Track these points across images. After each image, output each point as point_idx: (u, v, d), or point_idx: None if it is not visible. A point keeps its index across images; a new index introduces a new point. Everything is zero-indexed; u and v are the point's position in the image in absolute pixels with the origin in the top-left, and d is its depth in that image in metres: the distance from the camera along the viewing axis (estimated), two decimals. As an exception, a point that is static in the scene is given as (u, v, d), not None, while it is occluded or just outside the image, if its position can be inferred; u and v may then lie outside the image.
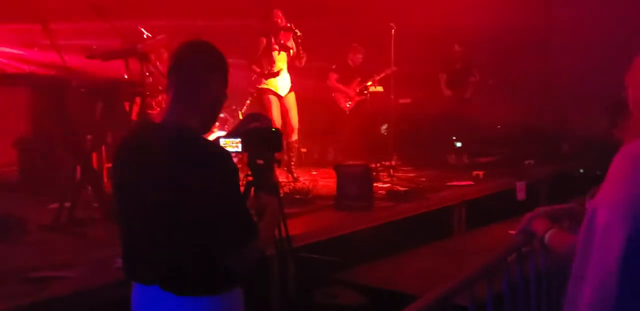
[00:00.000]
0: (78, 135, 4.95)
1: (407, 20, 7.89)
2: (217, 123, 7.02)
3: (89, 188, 5.08)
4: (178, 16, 7.85)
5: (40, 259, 3.62)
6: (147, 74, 5.12)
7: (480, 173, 7.12)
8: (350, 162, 5.85)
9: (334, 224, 4.85)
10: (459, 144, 8.75)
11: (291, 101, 7.00)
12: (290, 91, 6.99)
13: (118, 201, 2.04)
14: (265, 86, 6.87)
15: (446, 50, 9.02)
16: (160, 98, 6.45)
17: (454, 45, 8.95)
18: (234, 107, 8.15)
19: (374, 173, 6.34)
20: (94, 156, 5.50)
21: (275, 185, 2.45)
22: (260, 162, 2.40)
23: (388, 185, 6.46)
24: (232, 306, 1.98)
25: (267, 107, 6.86)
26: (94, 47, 5.62)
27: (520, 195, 6.55)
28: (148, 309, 1.94)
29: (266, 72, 6.82)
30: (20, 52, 6.90)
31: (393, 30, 7.25)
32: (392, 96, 7.74)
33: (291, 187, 5.67)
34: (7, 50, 7.04)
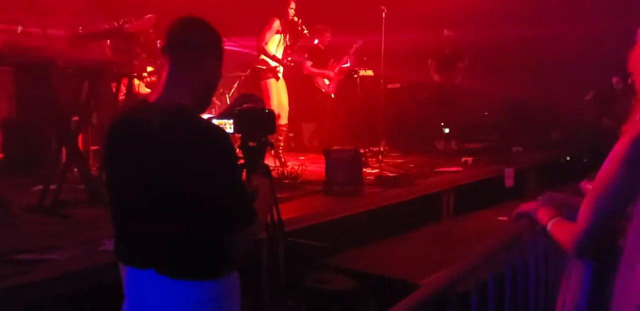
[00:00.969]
0: (64, 116, 4.85)
1: (398, 3, 7.83)
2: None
3: (75, 170, 5.01)
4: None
5: (25, 241, 3.56)
6: (134, 54, 5.03)
7: (469, 159, 7.13)
8: (340, 147, 5.81)
9: (322, 209, 4.82)
10: (447, 130, 8.74)
11: (283, 84, 7.03)
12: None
13: (111, 183, 1.98)
14: (274, 66, 6.87)
15: (435, 35, 8.98)
16: (149, 79, 6.36)
17: (443, 30, 8.91)
18: (221, 90, 8.08)
19: (363, 159, 6.31)
20: (80, 137, 5.42)
21: (267, 168, 2.40)
22: (253, 144, 2.35)
23: (377, 170, 6.44)
24: (229, 291, 1.93)
25: (265, 89, 6.84)
26: (80, 27, 5.51)
27: (508, 182, 6.57)
28: (142, 294, 1.89)
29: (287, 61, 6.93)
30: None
31: (384, 13, 7.18)
32: (382, 81, 7.70)
33: (280, 172, 5.63)
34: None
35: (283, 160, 6.85)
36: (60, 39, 5.65)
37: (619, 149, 1.71)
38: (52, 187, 4.53)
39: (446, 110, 8.85)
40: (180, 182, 1.79)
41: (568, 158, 8.09)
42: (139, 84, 6.39)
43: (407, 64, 8.94)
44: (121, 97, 5.37)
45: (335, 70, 8.34)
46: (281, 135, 7.07)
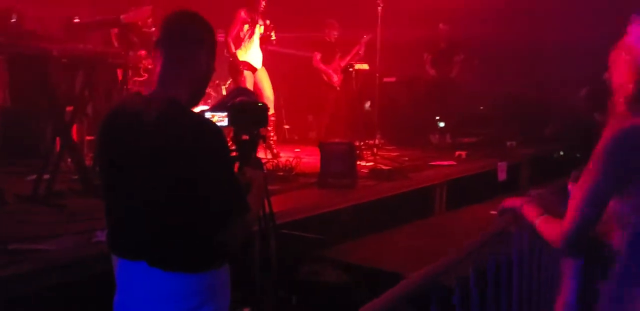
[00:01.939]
0: (58, 107, 4.85)
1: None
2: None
3: (69, 160, 5.01)
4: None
5: (18, 231, 3.56)
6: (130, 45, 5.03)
7: (463, 153, 7.15)
8: (335, 140, 5.82)
9: (316, 202, 4.84)
10: (442, 124, 8.76)
11: (264, 74, 6.97)
12: (261, 65, 6.97)
13: (106, 175, 2.00)
14: (242, 59, 6.79)
15: (431, 29, 8.98)
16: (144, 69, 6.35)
17: (439, 24, 8.92)
18: (217, 81, 8.07)
19: (358, 152, 6.33)
20: (75, 128, 5.42)
21: (259, 161, 2.41)
22: (246, 137, 2.36)
23: (371, 163, 6.45)
24: (220, 283, 1.95)
25: (240, 81, 6.80)
26: (76, 16, 5.49)
27: (501, 176, 6.59)
28: (134, 286, 1.90)
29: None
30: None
31: (379, 8, 7.17)
32: (377, 74, 7.71)
33: (274, 164, 5.64)
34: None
35: (275, 151, 6.84)
36: (56, 28, 5.63)
37: (599, 147, 1.75)
38: (46, 176, 4.53)
39: (441, 104, 8.87)
40: (173, 174, 1.81)
41: (561, 152, 8.12)
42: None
43: (403, 58, 8.95)
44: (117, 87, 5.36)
45: (342, 65, 8.37)
46: (270, 126, 7.06)
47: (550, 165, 7.68)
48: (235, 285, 2.06)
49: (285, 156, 6.65)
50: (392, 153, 7.39)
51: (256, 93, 6.80)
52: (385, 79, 8.72)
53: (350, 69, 8.24)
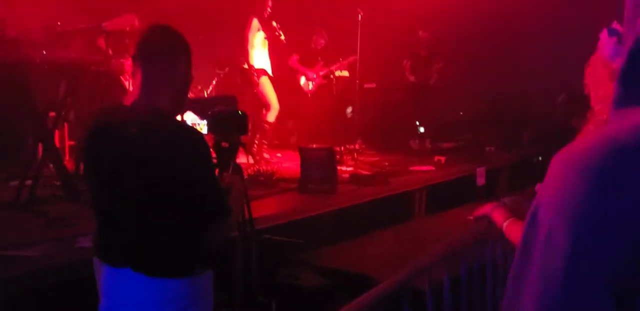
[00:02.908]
0: (41, 113, 4.87)
1: (374, 5, 7.92)
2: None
3: (51, 166, 5.03)
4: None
5: (1, 238, 3.58)
6: (112, 52, 5.06)
7: (442, 158, 7.23)
8: (315, 145, 5.88)
9: (297, 207, 4.89)
10: (422, 129, 8.85)
11: (270, 82, 7.06)
12: None
13: (91, 183, 2.06)
14: (260, 67, 6.87)
15: (411, 36, 9.08)
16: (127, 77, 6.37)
17: (418, 31, 9.02)
18: (199, 87, 8.10)
19: (338, 157, 6.39)
20: (56, 133, 5.43)
21: (239, 167, 2.48)
22: (225, 144, 2.43)
23: (352, 168, 6.52)
24: (203, 288, 2.02)
25: (258, 89, 6.86)
26: (59, 23, 5.52)
27: (480, 181, 6.69)
28: (118, 292, 1.96)
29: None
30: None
31: (360, 16, 7.27)
32: (357, 81, 7.78)
33: (255, 169, 5.69)
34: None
35: (257, 158, 6.87)
36: (39, 35, 5.64)
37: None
38: (28, 182, 4.55)
39: (421, 110, 8.96)
40: (156, 180, 1.89)
41: (540, 158, 8.24)
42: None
43: (383, 64, 9.05)
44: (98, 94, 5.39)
45: (321, 73, 8.40)
46: (269, 132, 7.12)
47: (529, 170, 7.79)
48: (217, 289, 2.12)
49: (266, 156, 6.71)
50: (372, 158, 7.47)
51: (262, 101, 6.87)
52: (366, 85, 8.81)
53: (331, 76, 8.29)
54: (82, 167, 2.94)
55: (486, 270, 2.47)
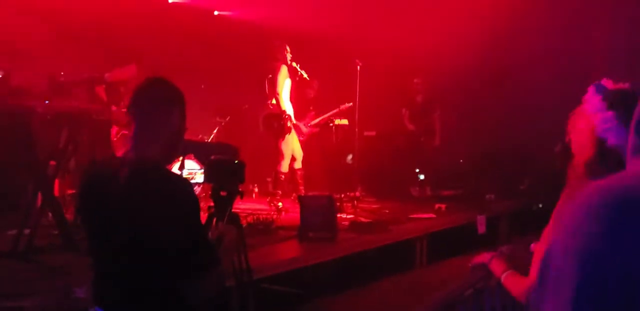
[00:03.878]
0: (40, 162, 4.90)
1: (372, 55, 8.06)
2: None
3: (50, 215, 5.01)
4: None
5: (-3, 287, 3.56)
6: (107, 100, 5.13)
7: (443, 206, 7.21)
8: (315, 193, 5.87)
9: (296, 255, 4.86)
10: (422, 177, 8.86)
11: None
12: None
13: (87, 232, 2.08)
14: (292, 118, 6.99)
15: (407, 83, 9.20)
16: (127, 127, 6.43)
17: (413, 79, 9.14)
18: (200, 135, 8.17)
19: (338, 204, 6.38)
20: (56, 182, 5.44)
21: (236, 216, 2.49)
22: (224, 193, 2.44)
23: (352, 216, 6.50)
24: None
25: (289, 137, 6.97)
26: (62, 73, 5.61)
27: (481, 229, 6.65)
28: None
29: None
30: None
31: (359, 67, 7.40)
32: (357, 129, 7.85)
33: (255, 218, 5.67)
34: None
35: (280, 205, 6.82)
36: (42, 85, 5.72)
37: (558, 207, 1.84)
38: (27, 231, 4.53)
39: (421, 157, 8.99)
40: (144, 231, 1.90)
41: (540, 205, 8.21)
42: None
43: (383, 112, 9.14)
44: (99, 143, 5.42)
45: (312, 122, 8.45)
46: (301, 179, 7.19)
47: (529, 217, 7.75)
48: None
49: (267, 209, 6.69)
50: (372, 206, 7.46)
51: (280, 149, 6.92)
52: (366, 133, 8.88)
53: (331, 124, 8.35)
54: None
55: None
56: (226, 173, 2.42)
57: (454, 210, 7.21)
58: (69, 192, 6.13)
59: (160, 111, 2.07)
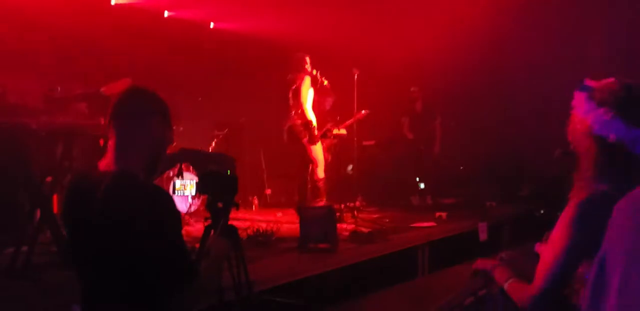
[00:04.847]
0: (37, 178, 4.87)
1: (369, 63, 8.06)
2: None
3: (47, 232, 4.98)
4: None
5: (-6, 306, 3.53)
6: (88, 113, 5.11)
7: (444, 214, 7.19)
8: (314, 204, 5.84)
9: (297, 267, 4.82)
10: (422, 185, 8.84)
11: None
12: None
13: (71, 246, 2.07)
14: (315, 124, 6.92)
15: (405, 92, 9.19)
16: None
17: (410, 87, 9.14)
18: (199, 148, 8.13)
19: (338, 214, 6.35)
20: (55, 198, 5.41)
21: (233, 228, 2.45)
22: (220, 205, 2.41)
23: (352, 226, 6.46)
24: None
25: (317, 148, 6.93)
26: (57, 88, 5.60)
27: (482, 236, 6.61)
28: None
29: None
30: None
31: (356, 75, 7.39)
32: (355, 138, 7.83)
33: (254, 229, 5.63)
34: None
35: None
36: (37, 100, 5.72)
37: (567, 213, 1.82)
38: (24, 248, 4.50)
39: (421, 166, 8.97)
40: (120, 244, 1.88)
41: (542, 211, 8.18)
42: None
43: (381, 121, 9.13)
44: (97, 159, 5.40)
45: (336, 131, 8.35)
46: (320, 190, 7.07)
47: (531, 223, 7.72)
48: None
49: (266, 221, 6.65)
50: (373, 215, 7.42)
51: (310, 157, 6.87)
52: (365, 142, 8.86)
53: (328, 134, 8.30)
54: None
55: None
56: (221, 185, 2.39)
57: (455, 218, 7.18)
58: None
59: (137, 122, 2.04)
